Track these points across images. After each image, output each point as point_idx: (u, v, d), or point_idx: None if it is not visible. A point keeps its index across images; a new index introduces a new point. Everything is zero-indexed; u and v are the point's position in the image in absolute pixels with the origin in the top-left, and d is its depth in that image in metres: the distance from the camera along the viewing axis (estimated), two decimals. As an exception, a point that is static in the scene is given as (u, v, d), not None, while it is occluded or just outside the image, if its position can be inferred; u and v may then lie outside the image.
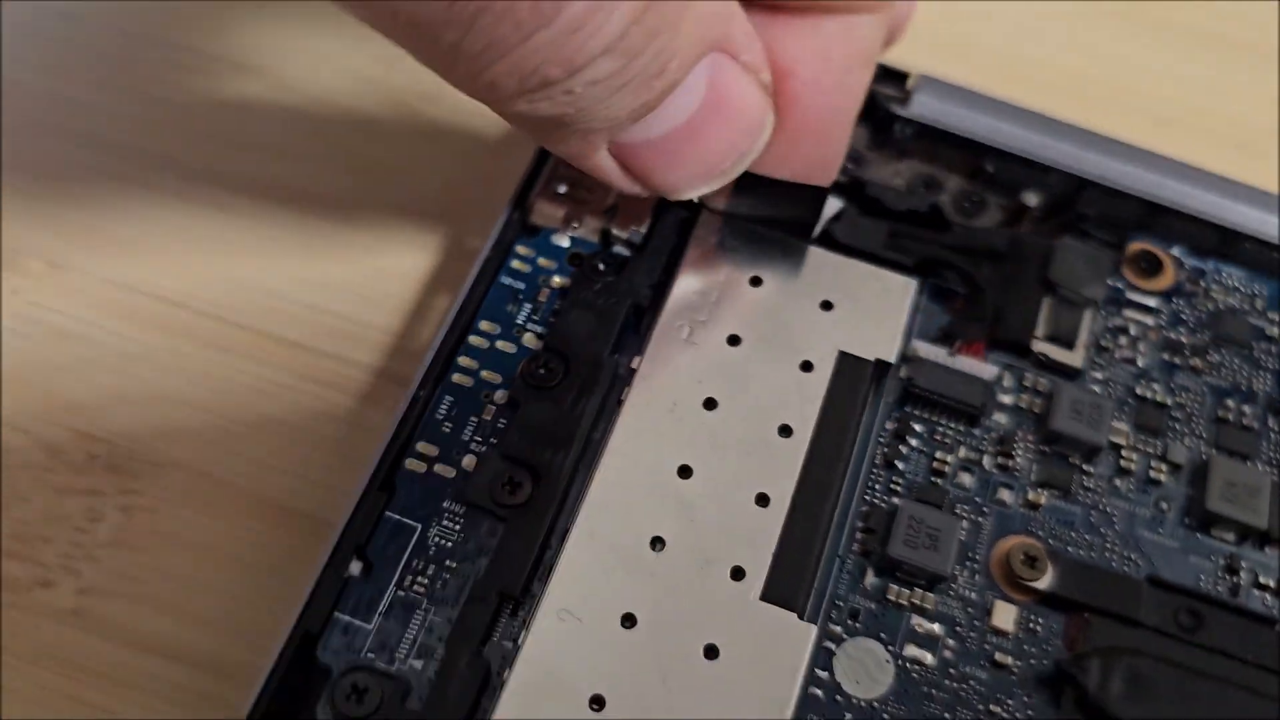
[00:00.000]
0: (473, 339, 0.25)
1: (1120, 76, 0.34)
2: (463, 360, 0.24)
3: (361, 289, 0.28)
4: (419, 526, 0.23)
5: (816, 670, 0.22)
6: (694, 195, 0.23)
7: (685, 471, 0.23)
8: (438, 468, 0.23)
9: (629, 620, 0.21)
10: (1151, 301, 0.27)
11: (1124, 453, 0.25)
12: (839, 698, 0.22)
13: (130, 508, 0.25)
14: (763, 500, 0.23)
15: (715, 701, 0.21)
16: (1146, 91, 0.34)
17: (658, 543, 0.22)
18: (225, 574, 0.25)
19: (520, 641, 0.21)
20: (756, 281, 0.25)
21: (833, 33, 0.23)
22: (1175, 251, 0.28)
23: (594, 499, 0.22)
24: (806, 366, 0.24)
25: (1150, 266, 0.27)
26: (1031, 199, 0.28)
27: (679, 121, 0.22)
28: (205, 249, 0.28)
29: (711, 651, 0.21)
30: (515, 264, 0.26)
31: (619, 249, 0.26)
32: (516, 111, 0.20)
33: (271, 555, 0.25)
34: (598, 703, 0.21)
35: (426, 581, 0.22)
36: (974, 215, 0.27)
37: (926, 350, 0.25)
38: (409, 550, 0.22)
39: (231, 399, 0.27)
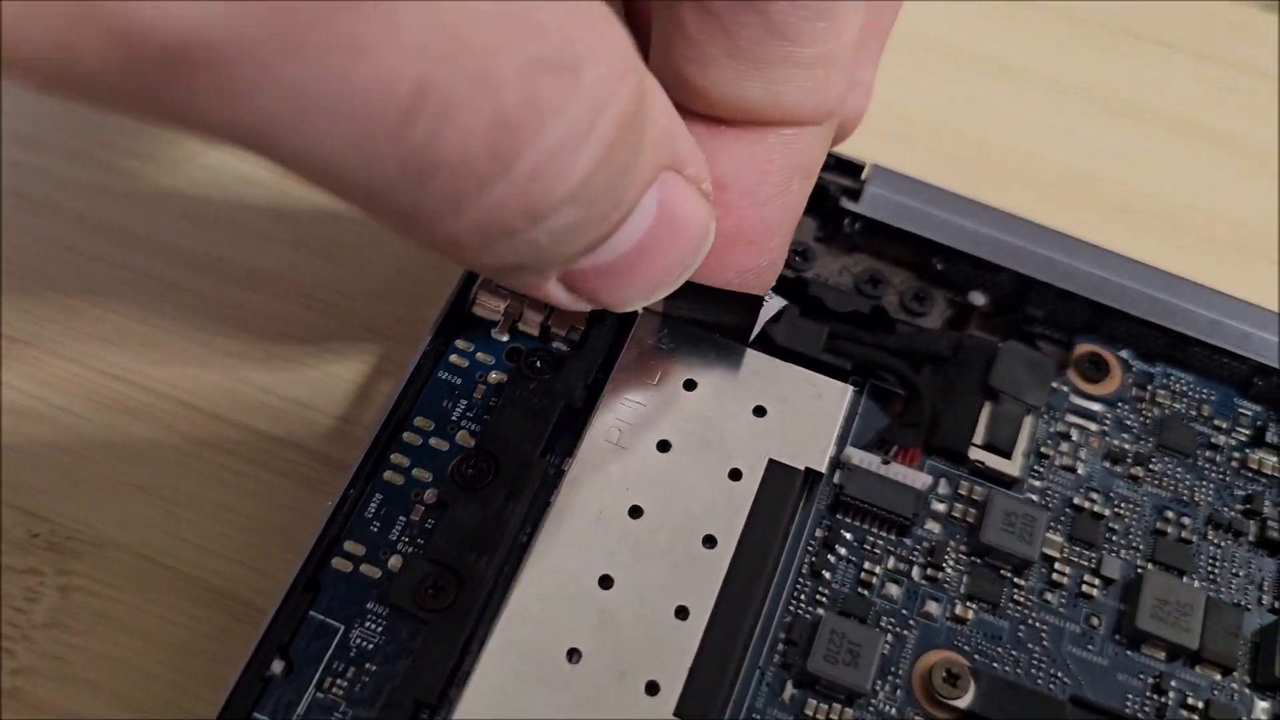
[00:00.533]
0: (407, 435, 0.25)
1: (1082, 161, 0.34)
2: (395, 458, 0.25)
3: (315, 375, 0.28)
4: (341, 628, 0.23)
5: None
6: (638, 308, 0.23)
7: (606, 581, 0.23)
8: (364, 568, 0.23)
9: (538, 743, 0.22)
10: (1096, 406, 0.27)
11: (1057, 565, 0.25)
12: (751, 816, 0.22)
13: (68, 588, 0.25)
14: (682, 613, 0.23)
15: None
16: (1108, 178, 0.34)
17: (574, 654, 0.22)
18: (159, 659, 0.25)
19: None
20: (691, 385, 0.25)
21: (773, 145, 0.23)
22: (1123, 354, 0.28)
23: (515, 607, 0.22)
24: (735, 475, 0.24)
25: (1097, 369, 0.27)
26: (979, 298, 0.28)
27: (630, 245, 0.22)
28: (165, 330, 0.28)
29: (621, 770, 0.21)
30: (454, 358, 0.26)
31: (557, 345, 0.26)
32: (479, 263, 0.20)
33: (206, 640, 0.25)
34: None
35: (346, 684, 0.22)
36: (920, 313, 0.27)
37: (860, 457, 0.25)
38: (330, 651, 0.23)
39: (182, 482, 0.27)
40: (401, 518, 0.24)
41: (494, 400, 0.25)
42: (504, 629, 0.22)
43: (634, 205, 0.21)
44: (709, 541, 0.23)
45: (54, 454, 0.27)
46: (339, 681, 0.22)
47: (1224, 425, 0.27)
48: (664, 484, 0.24)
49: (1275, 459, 0.27)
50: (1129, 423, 0.27)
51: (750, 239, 0.23)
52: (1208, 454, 0.27)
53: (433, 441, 0.25)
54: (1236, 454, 0.27)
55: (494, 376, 0.26)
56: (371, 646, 0.23)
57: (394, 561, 0.24)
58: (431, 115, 0.16)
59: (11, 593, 0.25)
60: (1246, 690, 0.24)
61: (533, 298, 0.23)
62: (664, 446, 0.24)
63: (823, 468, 0.24)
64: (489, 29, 0.16)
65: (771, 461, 0.24)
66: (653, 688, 0.22)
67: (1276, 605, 0.25)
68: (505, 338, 0.26)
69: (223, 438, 0.27)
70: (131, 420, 0.27)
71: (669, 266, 0.22)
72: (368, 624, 0.23)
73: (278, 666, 0.23)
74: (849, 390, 0.25)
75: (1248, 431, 0.27)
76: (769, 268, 0.24)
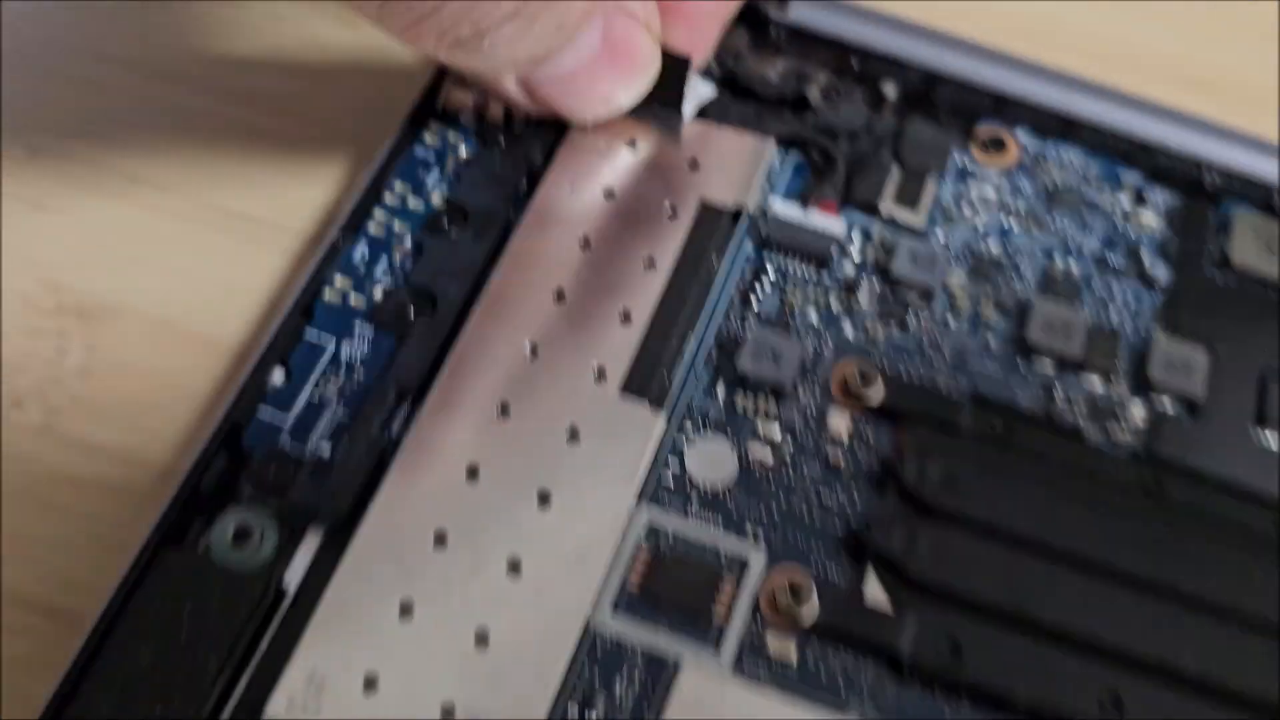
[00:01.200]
0: (386, 196, 0.28)
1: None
2: (377, 213, 0.28)
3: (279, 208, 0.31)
4: (333, 340, 0.27)
5: (670, 459, 0.26)
6: (592, 122, 0.28)
7: (560, 295, 0.27)
8: (352, 297, 0.27)
9: (504, 409, 0.25)
10: (994, 176, 0.31)
11: (957, 296, 0.29)
12: (688, 485, 0.26)
13: (94, 348, 0.29)
14: (626, 317, 0.26)
15: (576, 478, 0.25)
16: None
17: (536, 351, 0.26)
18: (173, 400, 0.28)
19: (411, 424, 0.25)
20: (633, 143, 0.29)
21: None
22: (1019, 133, 0.31)
23: (481, 314, 0.26)
24: (673, 213, 0.28)
25: (995, 146, 0.31)
26: (891, 90, 0.31)
27: (577, 65, 0.26)
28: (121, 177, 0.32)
29: (574, 435, 0.25)
30: (427, 138, 0.29)
31: (518, 127, 0.30)
32: (437, 57, 0.25)
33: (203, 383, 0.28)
34: (473, 473, 0.24)
35: (337, 388, 0.26)
36: (838, 105, 0.31)
37: (783, 207, 0.29)
38: (323, 362, 0.26)
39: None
40: (384, 258, 0.28)
41: (463, 170, 0.29)
42: (474, 329, 0.26)
43: (575, 29, 0.25)
44: (649, 263, 0.27)
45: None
46: (330, 386, 0.26)
47: (1108, 190, 0.31)
48: (612, 222, 0.28)
49: (1153, 217, 0.30)
50: (1024, 189, 0.31)
51: (690, 22, 0.28)
52: (1094, 212, 0.30)
53: (410, 202, 0.29)
54: (1119, 212, 0.30)
55: (464, 152, 0.29)
56: (359, 358, 0.26)
57: (377, 292, 0.27)
58: None
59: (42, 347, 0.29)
60: (1125, 392, 0.28)
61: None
62: (609, 194, 0.28)
63: (750, 207, 0.28)
64: None
65: (702, 201, 0.28)
66: (600, 373, 0.26)
67: (1152, 331, 0.28)
68: (474, 125, 0.30)
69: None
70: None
71: (615, 89, 0.27)
72: (356, 340, 0.27)
73: (278, 376, 0.26)
74: (771, 141, 0.29)
75: (1129, 197, 0.31)
76: (701, 44, 0.28)
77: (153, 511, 0.25)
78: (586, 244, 0.27)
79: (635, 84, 0.28)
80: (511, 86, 0.27)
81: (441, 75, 0.30)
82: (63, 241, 0.30)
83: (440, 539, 0.23)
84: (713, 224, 0.28)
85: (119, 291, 0.29)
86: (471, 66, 0.27)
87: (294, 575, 0.24)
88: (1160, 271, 0.29)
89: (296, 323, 0.27)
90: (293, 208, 0.31)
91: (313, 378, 0.26)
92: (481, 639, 0.23)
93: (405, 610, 0.23)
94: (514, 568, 0.23)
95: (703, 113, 0.30)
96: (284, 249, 0.30)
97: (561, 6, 0.25)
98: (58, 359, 0.29)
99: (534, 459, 0.25)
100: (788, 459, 0.26)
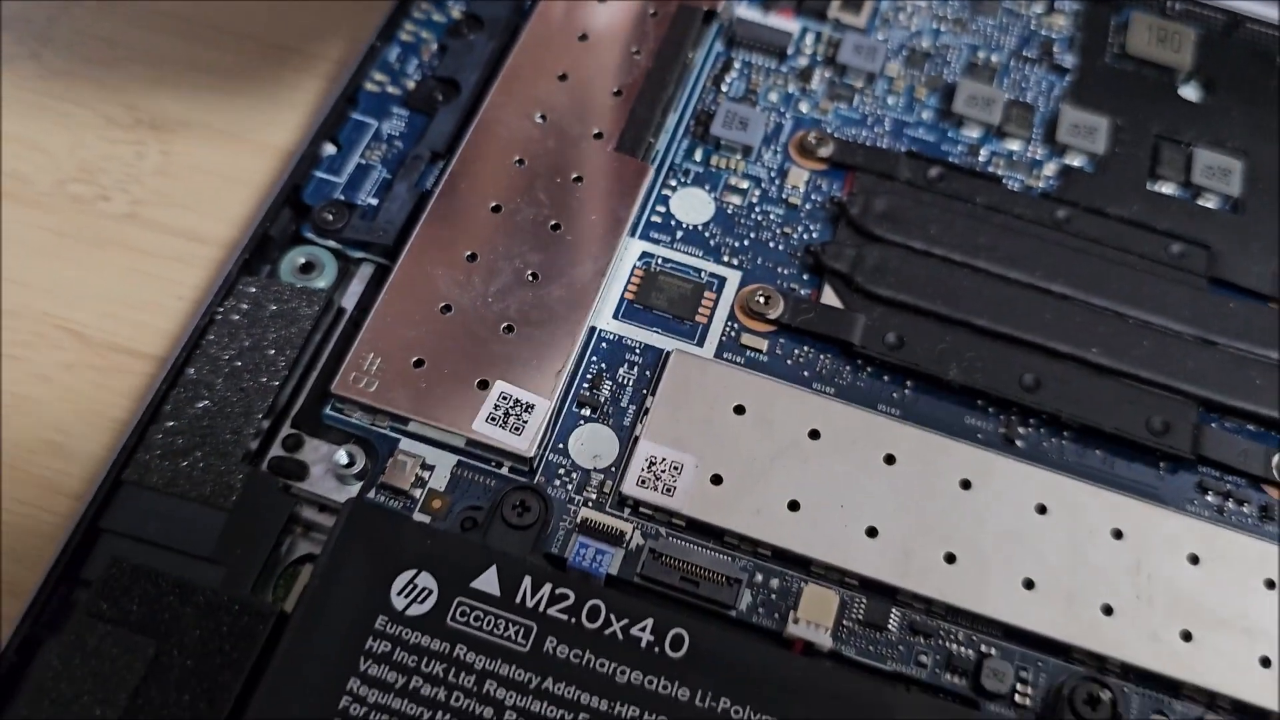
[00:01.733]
0: (415, 10, 0.34)
1: None
2: (407, 25, 0.34)
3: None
4: (375, 123, 0.32)
5: (657, 206, 0.31)
6: None
7: (563, 76, 0.32)
8: (389, 89, 0.32)
9: (520, 161, 0.30)
10: (926, -10, 0.36)
11: (895, 81, 0.34)
12: (673, 222, 0.31)
13: (169, 152, 0.34)
14: (618, 93, 0.32)
15: (582, 214, 0.30)
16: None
17: (545, 117, 0.31)
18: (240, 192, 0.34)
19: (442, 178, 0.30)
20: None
21: None
22: (949, -43, 0.37)
23: (498, 90, 0.31)
24: (654, 13, 0.33)
25: (927, -32, 0.36)
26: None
27: None
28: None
29: (579, 179, 0.30)
30: None
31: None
32: None
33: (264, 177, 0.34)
34: (496, 209, 0.30)
35: (381, 152, 0.31)
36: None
37: (747, 11, 0.34)
38: (368, 137, 0.32)
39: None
40: (414, 58, 0.33)
41: (477, -10, 0.34)
42: (494, 99, 0.31)
43: None
44: (636, 53, 0.32)
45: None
46: (375, 153, 0.31)
47: (1024, 2, 0.36)
48: (604, 19, 0.33)
49: (1063, 20, 0.36)
50: (951, 1, 0.36)
51: None
52: (1012, 16, 0.36)
53: (434, 15, 0.34)
54: (1033, 18, 0.36)
55: (476, -24, 0.35)
56: (398, 134, 0.32)
57: (410, 84, 0.32)
58: None
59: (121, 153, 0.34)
60: (1040, 153, 0.33)
61: None
62: None
63: (718, 8, 0.33)
64: None
65: (680, 4, 0.33)
66: (598, 135, 0.31)
67: (1061, 106, 0.34)
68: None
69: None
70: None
71: None
72: (394, 120, 0.32)
73: (329, 149, 0.31)
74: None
75: (1042, 5, 0.36)
76: None
77: (225, 266, 0.30)
78: (584, 37, 0.32)
79: None
80: None
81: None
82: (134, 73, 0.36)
83: (473, 257, 0.29)
84: (688, 21, 0.33)
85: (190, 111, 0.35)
86: None
87: (349, 300, 0.29)
88: (1068, 60, 0.35)
89: (342, 108, 0.32)
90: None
91: (359, 149, 0.31)
92: (509, 329, 0.28)
93: (446, 309, 0.28)
94: (534, 277, 0.28)
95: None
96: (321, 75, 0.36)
97: None
98: (137, 161, 0.34)
99: (547, 198, 0.30)
100: (756, 202, 0.31)
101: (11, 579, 0.27)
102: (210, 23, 0.37)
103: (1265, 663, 0.26)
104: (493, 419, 0.26)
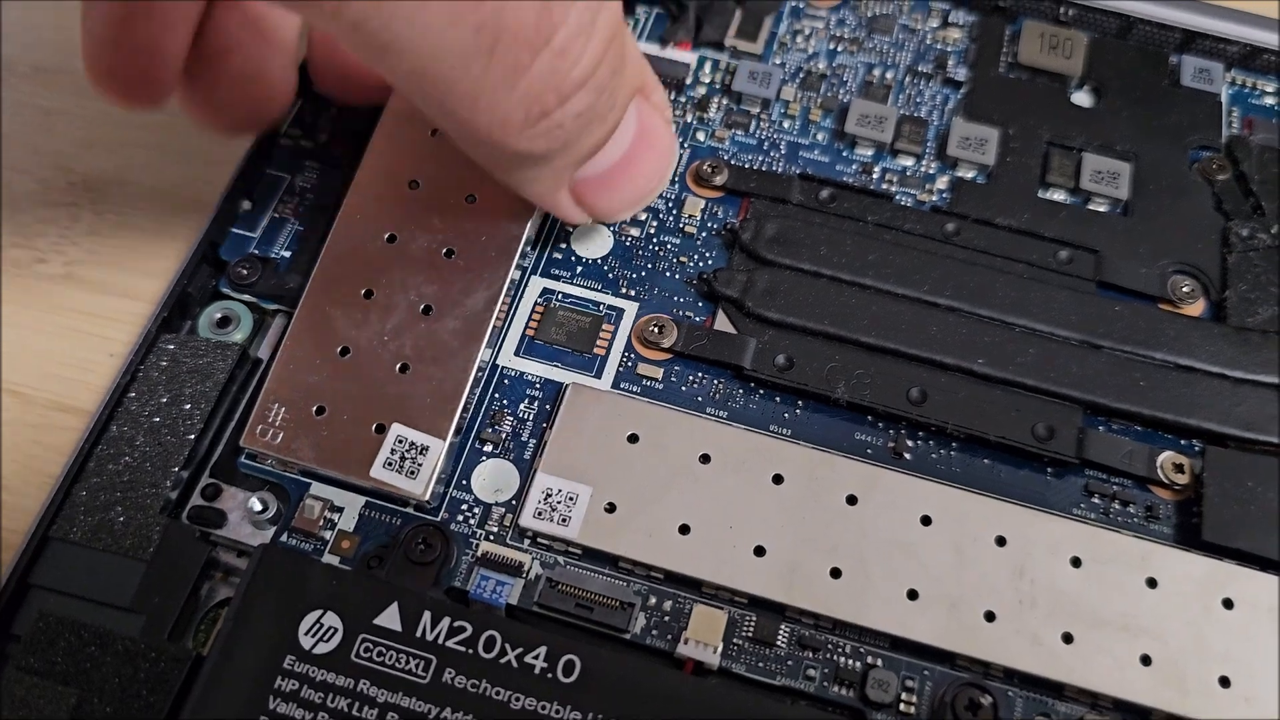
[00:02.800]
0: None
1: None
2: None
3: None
4: (289, 176, 0.33)
5: (559, 243, 0.32)
6: (626, 218, 0.31)
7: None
8: (302, 141, 0.34)
9: (413, 184, 0.32)
10: (823, 12, 0.37)
11: (790, 105, 0.35)
12: (573, 258, 0.32)
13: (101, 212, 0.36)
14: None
15: (478, 243, 0.31)
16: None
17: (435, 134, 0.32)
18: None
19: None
20: None
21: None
22: (844, -22, 0.38)
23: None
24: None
25: (824, -11, 0.37)
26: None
27: (620, 154, 0.27)
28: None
29: (472, 199, 0.31)
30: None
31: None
32: (517, 150, 0.25)
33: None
34: (391, 239, 0.31)
35: (293, 206, 0.33)
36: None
37: (645, 46, 0.35)
38: (281, 190, 0.33)
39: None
40: (326, 111, 0.34)
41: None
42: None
43: (624, 109, 0.26)
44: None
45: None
46: (287, 207, 0.33)
47: (920, 17, 0.37)
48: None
49: (958, 33, 0.37)
50: (848, 21, 0.37)
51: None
52: (907, 34, 0.37)
53: (343, 68, 0.35)
54: (929, 33, 0.37)
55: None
56: (309, 186, 0.33)
57: (323, 136, 0.34)
58: None
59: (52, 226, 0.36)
60: (933, 168, 0.34)
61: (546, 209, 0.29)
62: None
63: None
64: None
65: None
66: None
67: (948, 118, 0.35)
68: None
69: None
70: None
71: (649, 177, 0.29)
72: (307, 173, 0.33)
73: (245, 204, 0.33)
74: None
75: (938, 20, 0.37)
76: None
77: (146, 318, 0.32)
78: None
79: (665, 175, 0.29)
80: (564, 196, 0.28)
81: None
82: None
83: (369, 294, 0.30)
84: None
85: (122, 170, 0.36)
86: (544, 157, 0.26)
87: (265, 351, 0.31)
88: (962, 74, 0.36)
89: (258, 164, 0.33)
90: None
91: (273, 203, 0.33)
92: (404, 369, 0.29)
93: (344, 352, 0.29)
94: (427, 311, 0.30)
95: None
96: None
97: (617, 79, 0.25)
98: (72, 223, 0.36)
99: (442, 224, 0.30)
100: (654, 234, 0.33)
101: (-52, 635, 0.29)
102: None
103: (1145, 661, 0.27)
104: (389, 464, 0.28)
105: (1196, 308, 0.32)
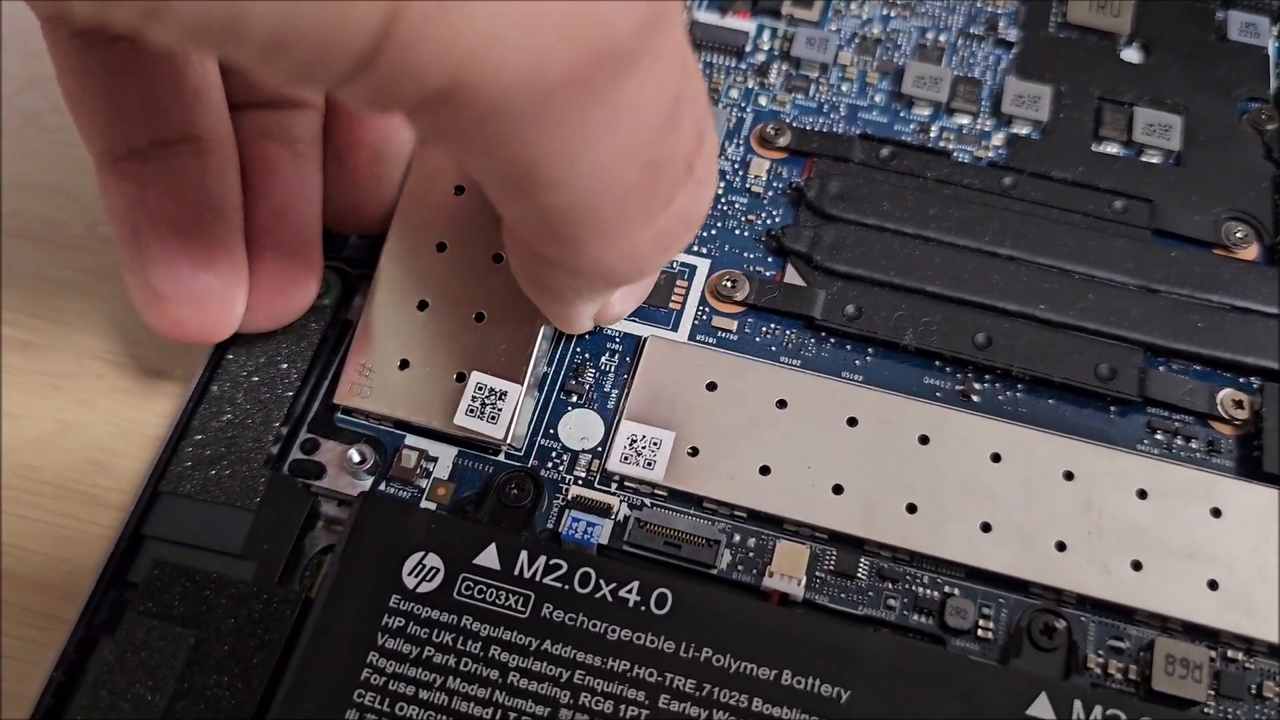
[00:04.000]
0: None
1: None
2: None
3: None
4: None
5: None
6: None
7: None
8: (377, 115, 0.35)
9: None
10: (875, -22, 0.38)
11: (847, 69, 0.36)
12: (645, 218, 0.33)
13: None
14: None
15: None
16: None
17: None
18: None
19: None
20: None
21: None
22: (896, -53, 0.39)
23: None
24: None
25: (876, -43, 0.39)
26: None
27: None
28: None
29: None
30: None
31: None
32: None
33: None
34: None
35: (372, 178, 0.34)
36: (747, -61, 0.39)
37: (705, 15, 0.37)
38: (360, 162, 0.34)
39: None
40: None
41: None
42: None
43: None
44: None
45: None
46: (368, 178, 0.34)
47: (970, -19, 0.38)
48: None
49: (1007, -4, 0.38)
50: (900, -13, 0.38)
51: None
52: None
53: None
54: (979, -4, 0.38)
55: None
56: (387, 157, 0.34)
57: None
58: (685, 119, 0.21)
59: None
60: (988, 125, 0.35)
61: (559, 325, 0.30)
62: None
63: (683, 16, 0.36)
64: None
65: (638, 13, 0.36)
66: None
67: (1005, 74, 0.36)
68: None
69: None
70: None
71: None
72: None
73: (327, 176, 0.34)
74: (687, -35, 0.37)
75: (988, -18, 0.38)
76: None
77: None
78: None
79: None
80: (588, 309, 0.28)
81: None
82: None
83: (442, 246, 0.31)
84: (647, 28, 0.35)
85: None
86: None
87: (356, 314, 0.32)
88: (1013, 34, 0.37)
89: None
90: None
91: (353, 174, 0.34)
92: (479, 318, 0.30)
93: (422, 306, 0.30)
94: (497, 259, 0.31)
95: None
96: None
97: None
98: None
99: None
100: (721, 194, 0.34)
101: (66, 585, 0.30)
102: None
103: (1212, 585, 0.28)
104: (471, 410, 0.29)
105: (1250, 252, 0.33)
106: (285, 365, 0.31)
